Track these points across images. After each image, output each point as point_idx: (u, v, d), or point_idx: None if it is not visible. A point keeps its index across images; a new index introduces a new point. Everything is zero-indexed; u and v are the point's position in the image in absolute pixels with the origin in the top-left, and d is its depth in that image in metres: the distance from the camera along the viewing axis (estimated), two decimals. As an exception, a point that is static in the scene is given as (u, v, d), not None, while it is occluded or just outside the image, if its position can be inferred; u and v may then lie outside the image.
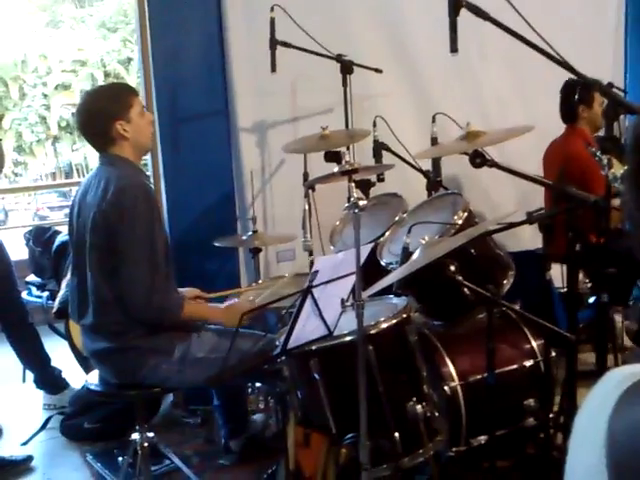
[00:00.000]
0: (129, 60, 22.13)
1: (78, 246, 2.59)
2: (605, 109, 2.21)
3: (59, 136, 24.27)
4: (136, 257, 2.42)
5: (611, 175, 2.40)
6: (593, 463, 0.72)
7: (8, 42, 21.92)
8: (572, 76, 2.18)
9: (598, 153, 2.28)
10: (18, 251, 4.97)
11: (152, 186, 3.02)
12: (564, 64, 2.11)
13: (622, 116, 3.69)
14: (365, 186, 3.32)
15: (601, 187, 2.49)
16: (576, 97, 3.68)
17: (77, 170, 25.06)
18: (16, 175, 24.72)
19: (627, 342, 3.48)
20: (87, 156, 24.39)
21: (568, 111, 3.76)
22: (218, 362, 2.27)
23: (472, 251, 2.55)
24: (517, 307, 2.56)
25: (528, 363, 2.58)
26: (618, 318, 3.30)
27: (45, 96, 23.29)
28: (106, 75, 22.76)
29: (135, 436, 2.67)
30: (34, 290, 4.49)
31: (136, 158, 2.63)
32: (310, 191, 3.34)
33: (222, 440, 3.12)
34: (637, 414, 0.72)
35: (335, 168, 2.24)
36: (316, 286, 1.95)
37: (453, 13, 2.10)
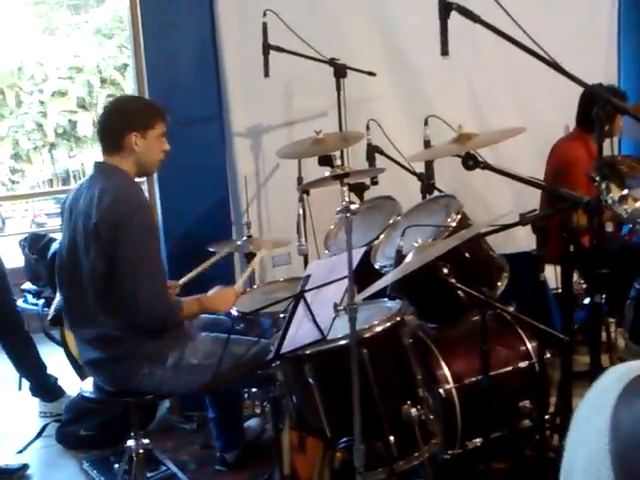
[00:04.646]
0: (125, 66, 22.07)
1: (72, 255, 2.58)
2: (596, 110, 2.21)
3: (56, 143, 24.24)
4: (138, 267, 2.41)
5: (610, 199, 2.41)
6: (596, 450, 0.72)
7: (4, 50, 21.91)
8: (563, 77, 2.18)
9: (597, 179, 2.28)
10: (15, 258, 4.95)
11: (147, 196, 2.99)
12: (554, 65, 2.12)
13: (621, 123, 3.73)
14: (359, 189, 3.32)
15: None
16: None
17: (74, 177, 25.02)
18: (13, 182, 24.69)
19: (621, 345, 3.47)
20: (84, 163, 24.37)
21: (585, 117, 3.66)
22: (212, 368, 2.27)
23: (466, 253, 2.55)
24: (511, 309, 2.56)
25: (523, 365, 2.58)
26: (612, 320, 3.29)
27: (42, 103, 23.25)
28: (102, 81, 22.74)
29: (130, 443, 2.67)
30: (30, 297, 4.47)
31: (135, 175, 2.62)
32: (304, 195, 3.34)
33: (217, 453, 3.11)
34: None
35: (328, 172, 2.25)
36: (308, 290, 1.95)
37: (443, 16, 2.10)
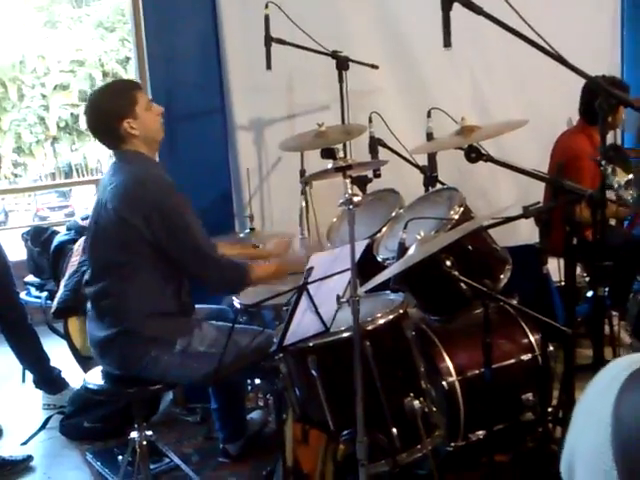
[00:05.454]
0: (127, 59, 22.08)
1: (96, 242, 2.60)
2: (599, 102, 2.20)
3: (58, 136, 24.27)
4: (196, 253, 2.46)
5: (616, 183, 2.41)
6: (599, 442, 0.73)
7: (6, 43, 21.90)
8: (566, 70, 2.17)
9: (603, 162, 2.27)
10: (18, 251, 4.97)
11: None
12: (558, 58, 2.11)
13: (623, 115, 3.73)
14: (362, 182, 3.32)
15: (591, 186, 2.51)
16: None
17: (77, 170, 25.07)
18: (16, 176, 24.73)
19: (624, 338, 3.48)
20: (86, 156, 24.40)
21: (589, 111, 3.63)
22: (216, 357, 2.28)
23: (468, 246, 2.54)
24: (514, 301, 2.55)
25: (526, 357, 2.58)
26: (615, 313, 3.29)
27: (44, 97, 23.27)
28: (104, 75, 22.73)
29: (134, 434, 2.67)
30: (33, 290, 4.49)
31: (150, 151, 2.62)
32: (307, 188, 3.34)
33: (220, 445, 3.11)
34: None
35: (330, 164, 2.24)
36: (311, 283, 1.95)
37: (446, 7, 2.09)
